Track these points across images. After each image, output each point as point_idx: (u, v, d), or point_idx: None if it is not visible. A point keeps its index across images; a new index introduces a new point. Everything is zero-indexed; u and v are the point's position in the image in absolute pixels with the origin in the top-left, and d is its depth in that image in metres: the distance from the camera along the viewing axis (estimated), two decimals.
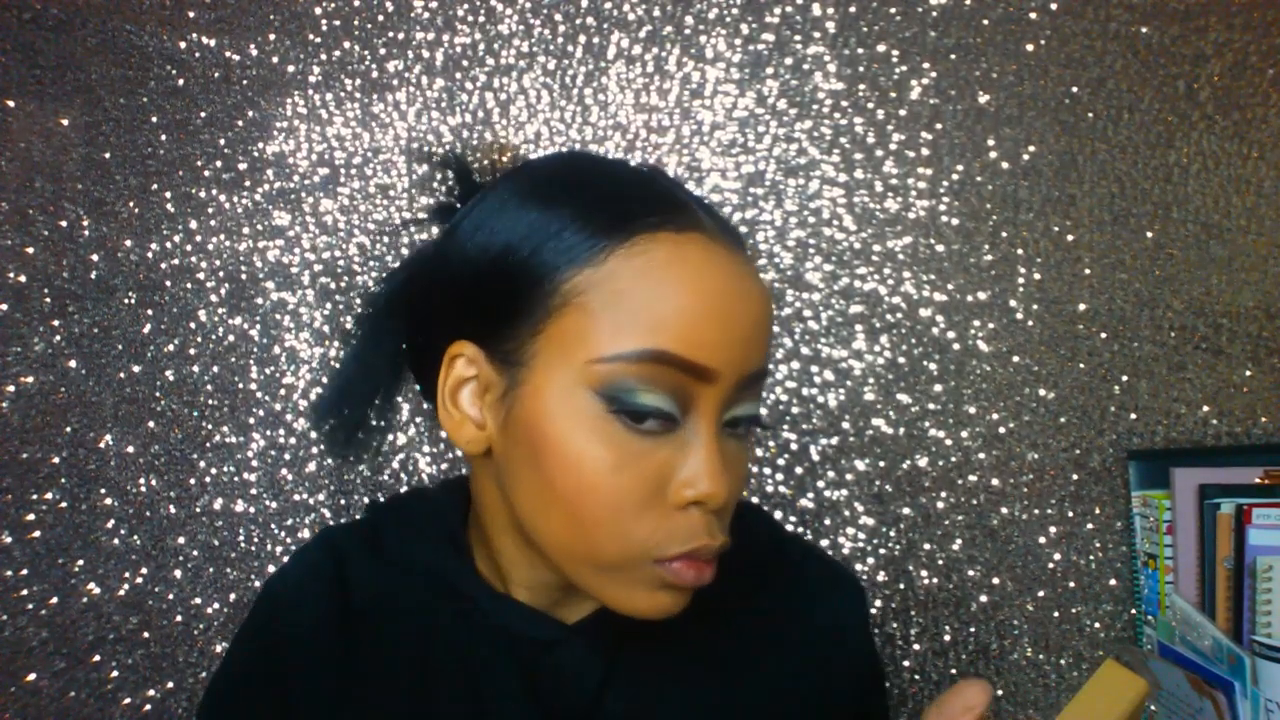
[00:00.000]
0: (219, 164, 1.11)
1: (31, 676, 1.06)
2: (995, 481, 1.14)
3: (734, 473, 0.57)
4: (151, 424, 1.09)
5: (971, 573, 1.14)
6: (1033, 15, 1.14)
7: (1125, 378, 1.15)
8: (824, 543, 1.13)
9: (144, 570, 1.08)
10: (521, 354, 0.56)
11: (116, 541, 1.08)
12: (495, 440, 0.58)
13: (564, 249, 0.55)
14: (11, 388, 1.08)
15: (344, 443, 0.68)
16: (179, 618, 1.08)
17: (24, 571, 1.07)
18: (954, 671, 1.13)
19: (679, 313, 0.54)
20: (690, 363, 0.53)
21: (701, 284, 0.54)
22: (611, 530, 0.54)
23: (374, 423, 0.68)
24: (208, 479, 1.09)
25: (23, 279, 1.08)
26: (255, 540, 1.09)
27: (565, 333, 0.55)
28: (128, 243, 1.09)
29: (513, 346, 0.57)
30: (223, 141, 1.11)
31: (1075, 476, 1.14)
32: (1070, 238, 1.15)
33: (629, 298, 0.54)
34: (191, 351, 1.10)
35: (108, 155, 1.10)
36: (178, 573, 1.08)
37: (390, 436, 0.70)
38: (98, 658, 1.07)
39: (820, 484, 1.13)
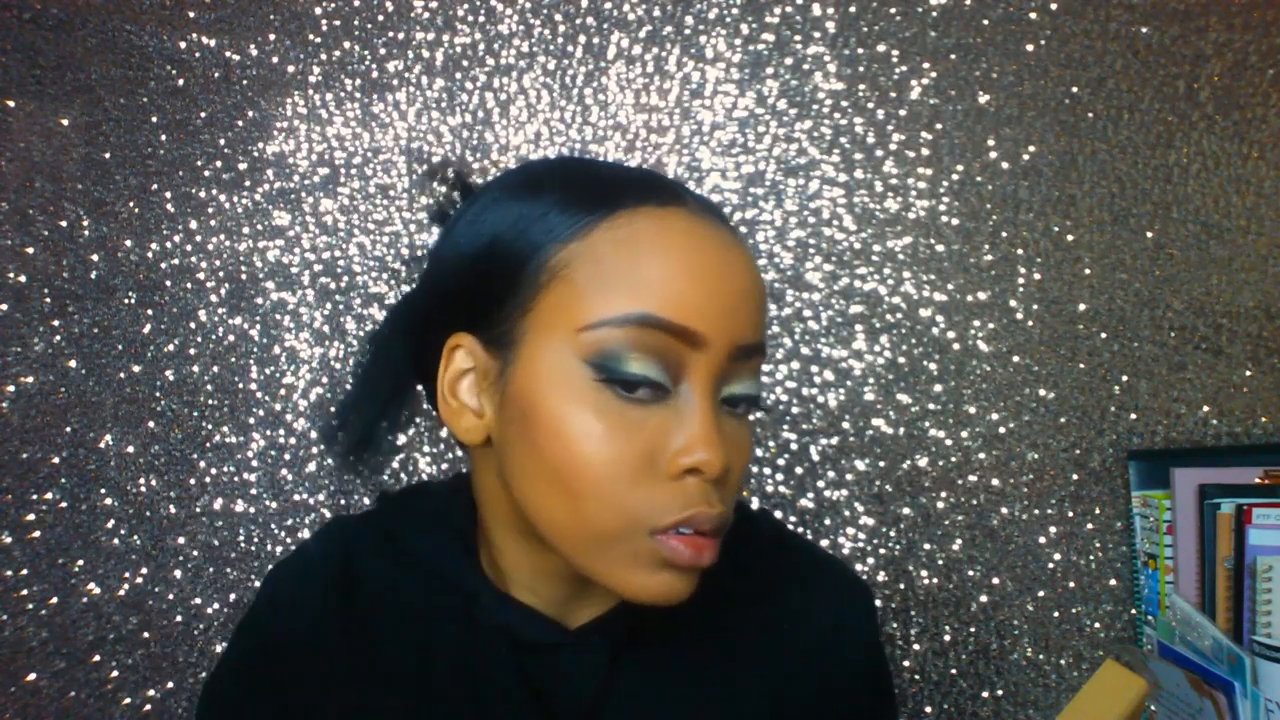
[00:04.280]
0: (219, 164, 1.11)
1: (31, 676, 1.06)
2: (995, 481, 1.14)
3: (735, 449, 0.57)
4: (151, 424, 1.09)
5: (971, 573, 1.14)
6: (1033, 15, 1.14)
7: (1125, 378, 1.15)
8: (824, 543, 1.13)
9: (144, 570, 1.08)
10: (513, 335, 0.57)
11: (116, 541, 1.08)
12: (492, 426, 0.59)
13: (549, 228, 0.56)
14: (11, 388, 1.08)
15: (352, 456, 0.68)
16: (179, 618, 1.08)
17: (24, 571, 1.07)
18: (954, 671, 1.13)
19: (663, 278, 0.54)
20: (676, 325, 0.53)
21: (684, 252, 0.55)
22: (605, 501, 0.54)
23: (383, 435, 0.68)
24: (208, 479, 1.09)
25: (23, 279, 1.08)
26: (255, 540, 1.09)
27: (553, 306, 0.55)
28: (128, 243, 1.09)
29: (505, 329, 0.57)
30: (223, 141, 1.11)
31: (1075, 476, 1.14)
32: (1070, 238, 1.15)
33: (613, 266, 0.54)
34: (191, 351, 1.10)
35: (108, 155, 1.10)
36: (178, 573, 1.08)
37: (390, 437, 0.70)
38: (98, 658, 1.07)
39: (820, 484, 1.13)
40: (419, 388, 0.68)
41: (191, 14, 1.10)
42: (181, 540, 1.09)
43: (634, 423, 0.54)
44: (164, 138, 1.10)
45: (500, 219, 0.58)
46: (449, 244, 0.62)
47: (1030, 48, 1.14)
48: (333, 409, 0.68)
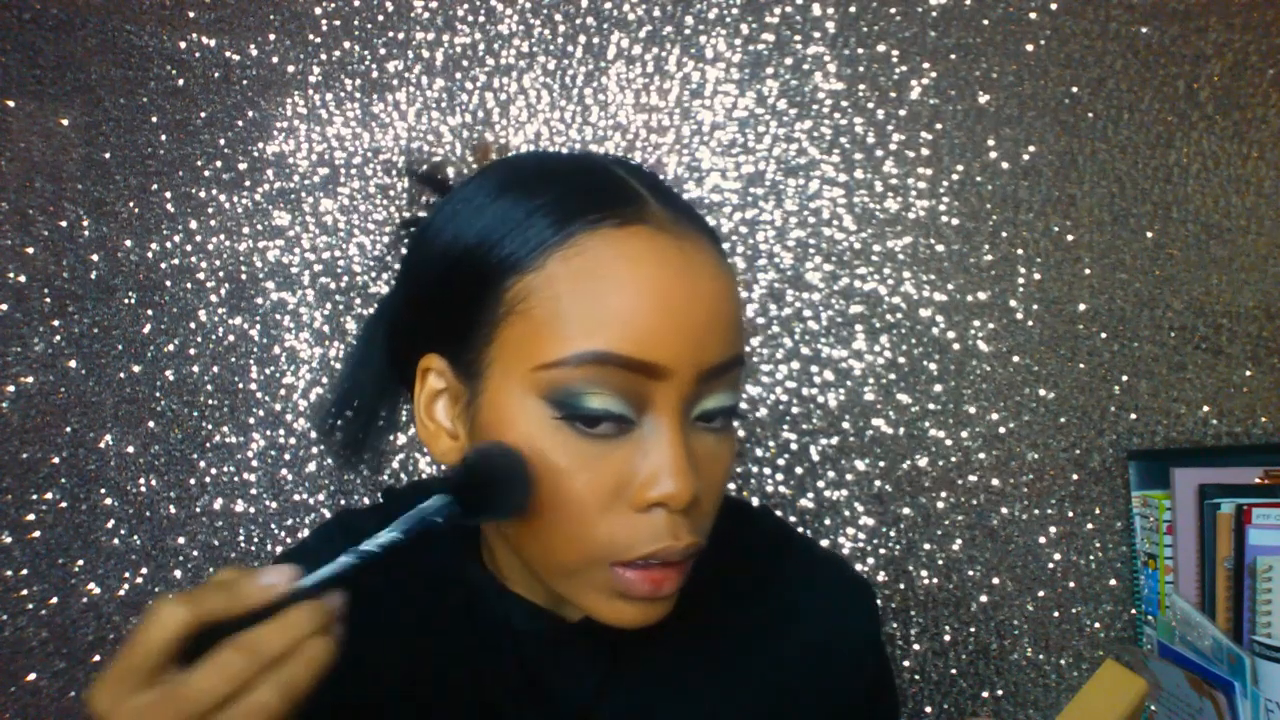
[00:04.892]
0: (219, 164, 1.11)
1: (31, 676, 1.06)
2: (995, 481, 1.14)
3: (709, 469, 0.56)
4: (151, 424, 1.09)
5: (971, 573, 1.14)
6: (1033, 15, 1.14)
7: (1125, 378, 1.15)
8: (824, 543, 1.13)
9: (144, 570, 1.08)
10: (479, 365, 0.56)
11: (116, 541, 1.08)
12: (467, 450, 0.58)
13: (506, 256, 0.55)
14: (11, 388, 1.08)
15: (348, 448, 0.68)
16: None
17: (24, 571, 1.07)
18: (954, 671, 1.13)
19: (619, 311, 0.52)
20: (635, 360, 0.52)
21: (643, 279, 0.53)
22: (569, 537, 0.54)
23: (379, 427, 0.68)
24: (208, 479, 1.09)
25: (23, 279, 1.08)
26: (255, 540, 1.09)
27: (512, 341, 0.54)
28: (128, 243, 1.09)
29: (472, 358, 0.56)
30: (223, 141, 1.11)
31: (1075, 476, 1.14)
32: (1070, 238, 1.15)
33: (568, 300, 0.53)
34: (191, 351, 1.10)
35: (108, 155, 1.10)
36: (178, 573, 1.08)
37: (390, 436, 0.70)
38: (98, 658, 1.07)
39: (820, 484, 1.13)
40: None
41: (191, 14, 1.10)
42: (181, 540, 1.09)
43: (597, 457, 0.53)
44: (164, 138, 1.10)
45: (463, 236, 0.57)
46: (418, 254, 0.61)
47: (1030, 48, 1.14)
48: (329, 409, 0.68)
